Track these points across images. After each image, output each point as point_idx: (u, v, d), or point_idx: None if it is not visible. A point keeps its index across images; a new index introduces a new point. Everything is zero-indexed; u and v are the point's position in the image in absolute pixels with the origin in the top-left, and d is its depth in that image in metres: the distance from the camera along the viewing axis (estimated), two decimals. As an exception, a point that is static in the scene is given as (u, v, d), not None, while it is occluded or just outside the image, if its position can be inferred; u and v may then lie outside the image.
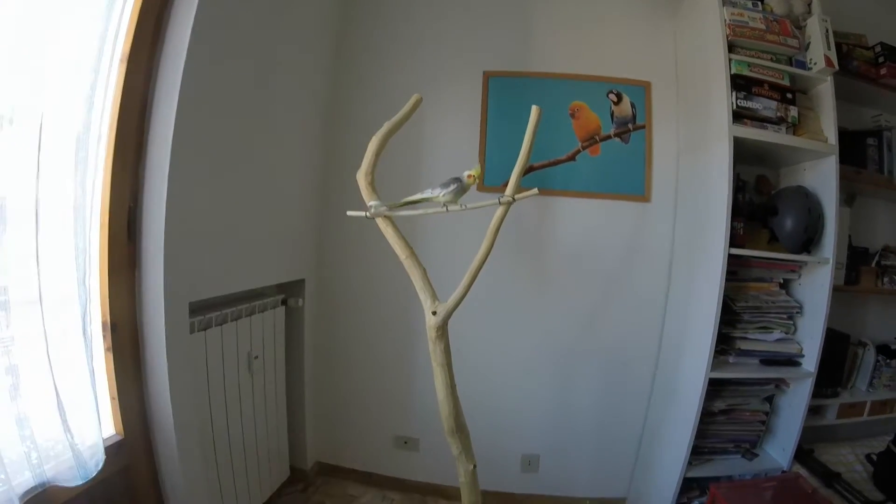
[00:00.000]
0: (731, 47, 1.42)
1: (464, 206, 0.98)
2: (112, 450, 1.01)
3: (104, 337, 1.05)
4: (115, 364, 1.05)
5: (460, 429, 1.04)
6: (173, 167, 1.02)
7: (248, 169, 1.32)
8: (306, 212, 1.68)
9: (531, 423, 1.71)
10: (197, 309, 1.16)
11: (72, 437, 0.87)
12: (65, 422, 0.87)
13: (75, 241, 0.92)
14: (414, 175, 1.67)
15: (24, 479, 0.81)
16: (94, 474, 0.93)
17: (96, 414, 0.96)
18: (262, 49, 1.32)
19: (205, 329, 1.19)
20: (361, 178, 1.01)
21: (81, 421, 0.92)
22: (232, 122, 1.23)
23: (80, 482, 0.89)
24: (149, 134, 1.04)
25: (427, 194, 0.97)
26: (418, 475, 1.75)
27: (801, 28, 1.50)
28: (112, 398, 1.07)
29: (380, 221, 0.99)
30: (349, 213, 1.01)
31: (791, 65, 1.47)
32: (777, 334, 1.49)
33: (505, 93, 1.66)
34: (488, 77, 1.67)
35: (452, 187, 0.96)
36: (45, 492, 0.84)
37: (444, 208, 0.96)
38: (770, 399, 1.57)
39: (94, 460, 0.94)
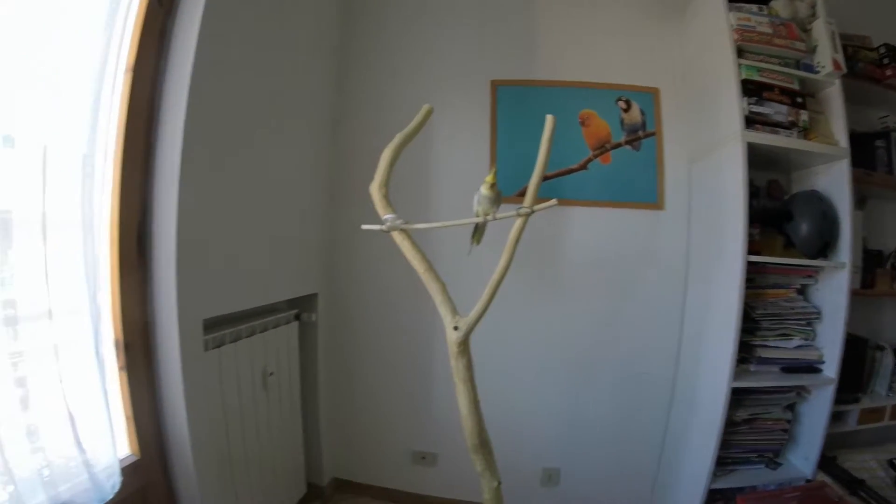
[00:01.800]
0: (740, 52, 1.40)
1: (492, 217, 0.96)
2: (128, 470, 0.98)
3: (117, 356, 1.02)
4: (129, 383, 1.02)
5: (484, 445, 1.00)
6: (183, 179, 0.99)
7: (258, 181, 1.30)
8: (317, 225, 1.65)
9: (550, 435, 1.66)
10: (210, 325, 1.13)
11: (87, 458, 0.85)
12: (79, 442, 0.84)
13: (84, 256, 0.88)
14: (423, 186, 1.64)
15: (39, 502, 0.78)
16: (110, 496, 0.89)
17: (111, 434, 0.92)
18: (268, 60, 1.30)
19: (219, 346, 1.16)
20: (375, 190, 0.99)
21: (96, 441, 0.89)
22: (241, 134, 1.21)
23: None
24: (157, 146, 1.01)
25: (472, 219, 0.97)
26: (437, 491, 1.69)
27: (806, 31, 1.49)
28: (127, 418, 1.04)
29: (396, 235, 0.96)
30: (364, 226, 0.98)
31: (798, 68, 1.46)
32: (797, 341, 1.45)
33: (513, 102, 1.64)
34: (496, 86, 1.65)
35: (475, 199, 0.95)
36: (61, 514, 0.80)
37: (483, 218, 0.95)
38: (791, 407, 1.53)
39: (111, 482, 0.91)
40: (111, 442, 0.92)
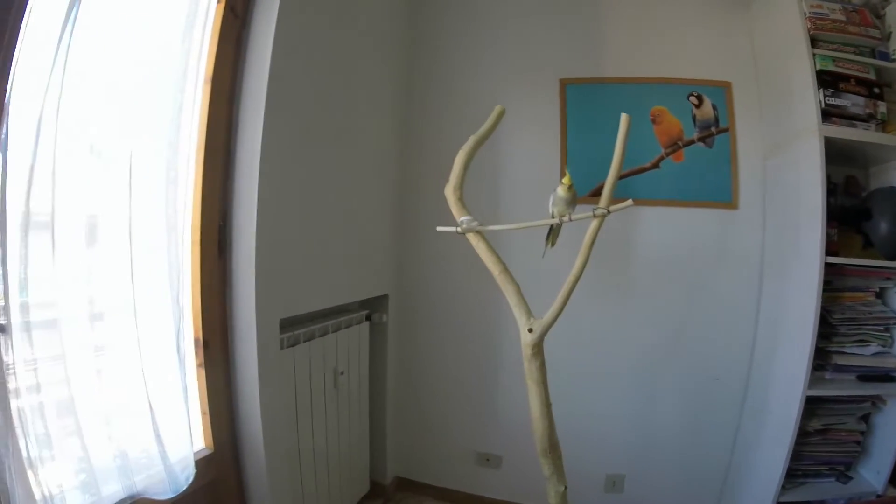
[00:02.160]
0: (813, 42, 1.32)
1: (568, 219, 0.95)
2: (201, 463, 1.01)
3: (196, 353, 1.06)
4: (206, 379, 1.05)
5: (553, 449, 0.99)
6: (262, 184, 1.02)
7: (331, 185, 1.32)
8: (388, 227, 1.68)
9: (615, 440, 1.62)
10: (286, 325, 1.16)
11: (163, 450, 0.88)
12: (157, 435, 0.87)
13: (168, 258, 0.93)
14: (492, 187, 1.64)
15: (114, 491, 0.81)
16: (184, 488, 0.92)
17: (188, 428, 0.96)
18: (340, 64, 1.32)
19: (293, 345, 1.19)
20: (450, 193, 0.99)
21: (174, 434, 0.92)
22: (314, 138, 1.23)
23: (170, 495, 0.89)
24: (236, 152, 1.05)
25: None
26: (499, 494, 1.68)
27: (880, 17, 1.39)
28: (203, 413, 1.08)
29: (471, 237, 0.96)
30: (439, 228, 0.98)
31: (874, 57, 1.36)
32: (874, 347, 1.36)
33: (583, 100, 1.61)
34: (565, 85, 1.62)
35: (550, 199, 0.94)
36: (135, 504, 0.84)
37: (559, 220, 0.95)
38: (866, 417, 1.44)
39: (185, 474, 0.94)
40: (188, 435, 0.96)
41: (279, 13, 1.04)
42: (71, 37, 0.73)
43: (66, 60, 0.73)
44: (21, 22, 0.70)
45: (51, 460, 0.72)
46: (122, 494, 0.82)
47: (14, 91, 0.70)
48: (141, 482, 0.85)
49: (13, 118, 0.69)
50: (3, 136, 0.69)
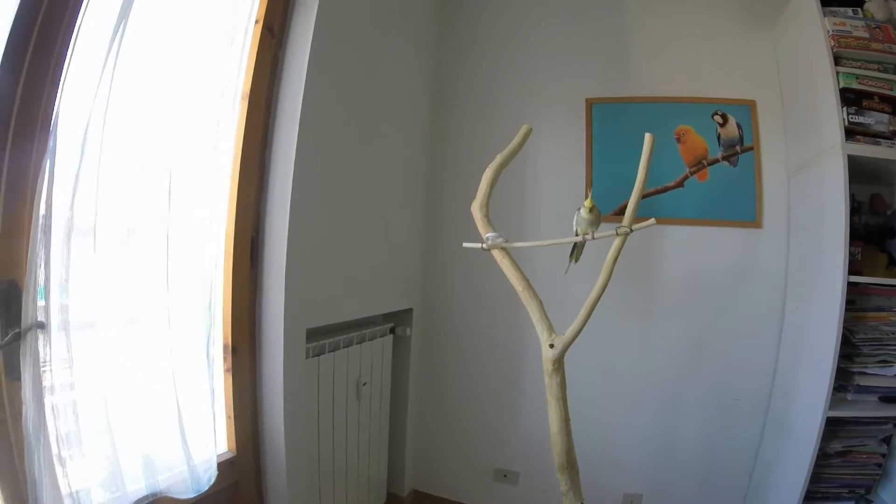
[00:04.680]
0: (837, 59, 1.28)
1: (591, 237, 0.94)
2: (224, 466, 1.01)
3: (224, 358, 1.06)
4: (233, 384, 1.06)
5: (571, 465, 0.97)
6: (294, 199, 1.03)
7: (361, 200, 1.33)
8: (415, 242, 1.68)
9: (633, 459, 1.57)
10: (312, 335, 1.15)
11: (188, 451, 0.88)
12: (183, 436, 0.87)
13: (202, 267, 0.94)
14: (518, 204, 1.63)
15: (138, 488, 0.81)
16: (205, 488, 0.92)
17: (213, 430, 0.96)
18: (372, 82, 1.34)
19: (318, 355, 1.19)
20: (476, 210, 0.98)
21: (199, 436, 0.92)
22: (346, 154, 1.24)
23: (191, 495, 0.89)
24: (270, 167, 1.06)
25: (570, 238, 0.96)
26: None
27: None
28: (228, 416, 1.08)
29: (495, 253, 0.95)
30: (465, 244, 0.98)
31: (898, 73, 1.32)
32: (896, 368, 1.30)
33: (609, 119, 1.59)
34: (591, 104, 1.61)
35: (574, 219, 0.93)
36: (156, 502, 0.84)
37: (582, 237, 0.95)
38: (887, 440, 1.37)
39: (207, 475, 0.94)
40: (212, 438, 0.96)
41: (314, 34, 1.05)
42: (118, 53, 0.75)
43: (112, 75, 0.74)
44: (70, 38, 0.72)
45: (80, 455, 0.73)
46: (144, 492, 0.82)
47: (63, 102, 0.71)
48: (164, 481, 0.85)
49: (62, 127, 0.71)
50: (51, 144, 0.70)
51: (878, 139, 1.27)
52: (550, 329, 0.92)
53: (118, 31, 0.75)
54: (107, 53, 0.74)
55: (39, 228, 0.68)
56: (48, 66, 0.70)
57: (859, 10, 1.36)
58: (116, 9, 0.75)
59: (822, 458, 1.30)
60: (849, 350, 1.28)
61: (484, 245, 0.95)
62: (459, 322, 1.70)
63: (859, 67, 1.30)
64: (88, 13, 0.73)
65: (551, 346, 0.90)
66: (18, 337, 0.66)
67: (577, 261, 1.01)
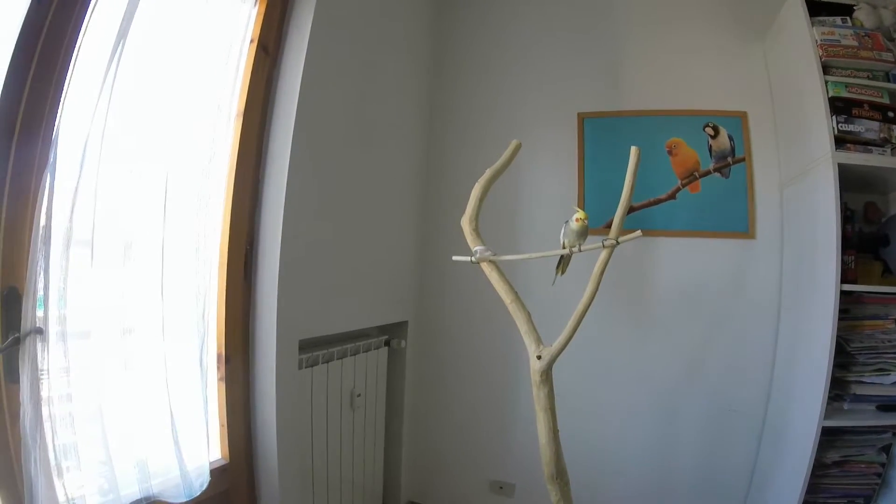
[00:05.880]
0: (826, 68, 1.28)
1: (578, 249, 0.94)
2: (216, 473, 1.02)
3: (218, 367, 1.07)
4: (226, 393, 1.07)
5: (560, 475, 0.96)
6: (287, 213, 1.04)
7: (354, 214, 1.34)
8: (409, 256, 1.69)
9: (629, 471, 1.55)
10: (305, 346, 1.16)
11: (181, 457, 0.89)
12: (177, 442, 0.89)
13: (196, 278, 0.95)
14: (509, 218, 1.63)
15: (132, 492, 0.82)
16: (197, 494, 0.93)
17: (206, 437, 0.97)
18: (364, 99, 1.36)
19: (312, 366, 1.19)
20: (466, 224, 0.99)
21: (192, 443, 0.94)
22: (339, 169, 1.26)
23: (183, 500, 0.90)
24: (264, 181, 1.08)
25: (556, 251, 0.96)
26: None
27: (893, 40, 1.35)
28: (221, 424, 1.08)
29: (485, 266, 0.96)
30: (455, 258, 0.98)
31: (888, 80, 1.32)
32: (894, 376, 1.28)
33: (600, 133, 1.60)
34: (583, 118, 1.62)
35: (562, 230, 0.94)
36: (148, 506, 0.84)
37: (569, 250, 0.95)
38: (886, 449, 1.34)
39: (200, 481, 0.95)
40: (205, 445, 0.97)
41: (308, 53, 1.07)
42: (116, 71, 0.78)
43: (111, 93, 0.77)
44: (71, 58, 0.75)
45: (75, 458, 0.74)
46: (138, 495, 0.83)
47: (63, 118, 0.74)
48: (157, 485, 0.86)
49: (62, 142, 0.73)
50: (52, 159, 0.72)
51: (869, 147, 1.27)
52: (538, 341, 0.92)
53: (117, 50, 0.78)
54: (105, 72, 0.76)
55: (39, 238, 0.70)
56: (49, 84, 0.73)
57: (848, 18, 1.36)
58: (115, 29, 0.78)
59: (820, 468, 1.28)
60: (844, 359, 1.26)
61: (473, 258, 0.96)
62: (455, 334, 1.70)
63: (848, 76, 1.29)
64: (88, 34, 0.76)
65: (538, 357, 0.90)
66: (18, 341, 0.68)
67: (563, 273, 1.01)
